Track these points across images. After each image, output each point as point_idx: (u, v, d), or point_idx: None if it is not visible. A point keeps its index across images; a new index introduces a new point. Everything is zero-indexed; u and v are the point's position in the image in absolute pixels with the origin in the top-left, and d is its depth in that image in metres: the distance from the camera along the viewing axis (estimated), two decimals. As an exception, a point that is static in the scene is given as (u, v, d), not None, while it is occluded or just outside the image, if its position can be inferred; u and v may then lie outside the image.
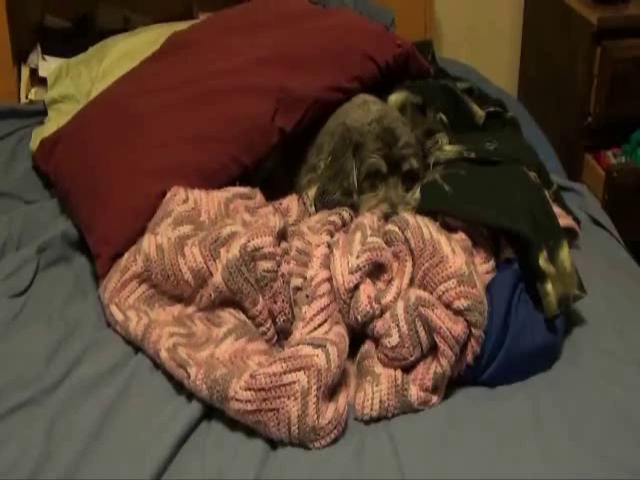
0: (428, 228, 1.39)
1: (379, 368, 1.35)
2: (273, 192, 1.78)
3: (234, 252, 1.45)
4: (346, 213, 1.54)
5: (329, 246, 1.44)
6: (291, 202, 1.70)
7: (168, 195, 1.62)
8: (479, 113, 1.78)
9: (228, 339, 1.42)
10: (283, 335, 1.48)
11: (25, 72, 2.56)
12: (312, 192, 1.64)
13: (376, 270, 1.40)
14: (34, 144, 2.14)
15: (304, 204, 1.67)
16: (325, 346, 1.30)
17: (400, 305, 1.34)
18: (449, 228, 1.45)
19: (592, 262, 1.63)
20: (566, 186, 1.90)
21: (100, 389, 1.42)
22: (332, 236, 1.47)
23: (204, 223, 1.59)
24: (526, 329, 1.36)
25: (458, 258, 1.34)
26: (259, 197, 1.68)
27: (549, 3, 2.77)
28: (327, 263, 1.42)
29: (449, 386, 1.38)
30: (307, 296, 1.39)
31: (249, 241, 1.46)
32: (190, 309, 1.54)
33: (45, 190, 2.04)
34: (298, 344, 1.31)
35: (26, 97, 2.53)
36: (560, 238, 1.43)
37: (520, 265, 1.40)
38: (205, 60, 1.85)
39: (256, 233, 1.47)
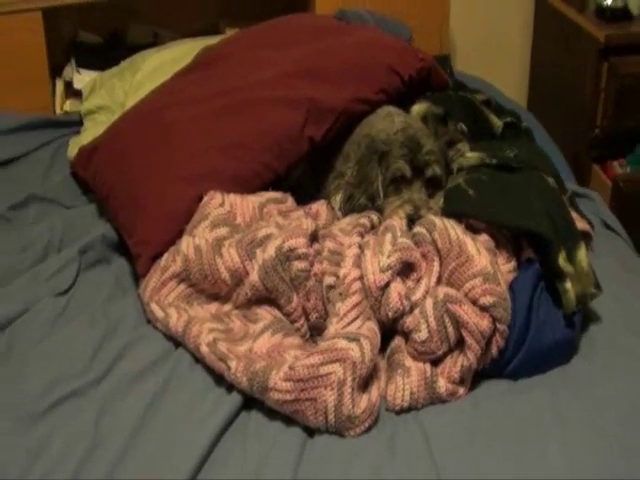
0: (454, 230, 1.43)
1: (409, 362, 1.39)
2: (300, 198, 1.82)
3: (270, 252, 1.49)
4: (375, 216, 1.58)
5: (360, 247, 1.48)
6: (320, 207, 1.74)
7: (205, 199, 1.66)
8: (497, 123, 1.83)
9: (265, 334, 1.45)
10: (316, 332, 1.52)
11: (60, 85, 2.61)
12: (339, 197, 1.68)
13: (405, 269, 1.45)
14: (72, 152, 2.18)
15: (332, 208, 1.71)
16: (359, 340, 1.34)
17: (429, 302, 1.38)
18: (473, 230, 1.49)
19: (605, 264, 1.66)
20: (579, 192, 1.94)
21: (143, 382, 1.45)
22: (362, 237, 1.51)
23: (239, 226, 1.63)
24: (546, 325, 1.40)
25: (483, 258, 1.38)
26: (290, 201, 1.73)
27: (557, 21, 2.81)
28: (358, 263, 1.46)
29: (474, 378, 1.42)
30: (340, 294, 1.43)
31: (284, 242, 1.50)
32: (227, 307, 1.58)
33: (83, 196, 2.08)
34: (333, 338, 1.35)
35: (61, 109, 2.57)
36: (577, 240, 1.47)
37: (540, 265, 1.44)
38: (235, 73, 1.90)
39: (291, 235, 1.51)
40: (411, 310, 1.41)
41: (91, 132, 2.21)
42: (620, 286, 1.64)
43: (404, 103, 1.87)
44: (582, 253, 1.45)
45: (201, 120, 1.82)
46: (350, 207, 1.65)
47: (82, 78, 2.53)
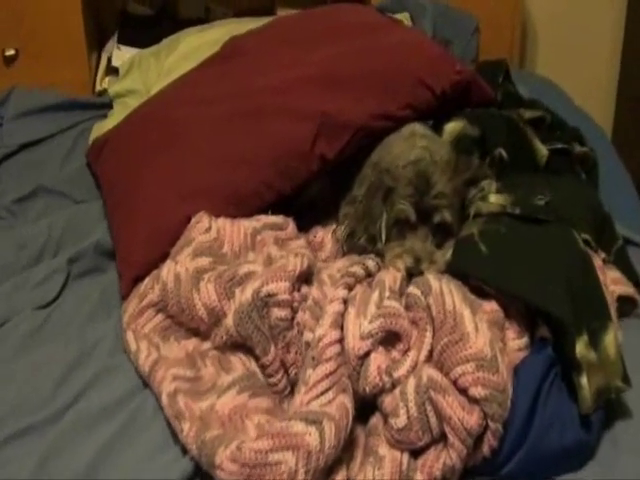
0: (452, 297, 1.17)
1: (384, 449, 1.15)
2: (318, 216, 1.60)
3: (247, 296, 1.29)
4: (372, 262, 1.33)
5: (345, 302, 1.24)
6: (326, 235, 1.51)
7: (192, 221, 1.47)
8: (542, 152, 1.53)
9: (231, 391, 1.25)
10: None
11: (103, 60, 2.45)
12: (343, 230, 1.44)
13: (392, 337, 1.20)
14: (93, 138, 2.02)
15: (337, 240, 1.48)
16: (321, 423, 1.11)
17: (411, 383, 1.14)
18: (482, 293, 1.23)
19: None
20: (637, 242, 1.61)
21: (101, 425, 1.28)
22: (351, 289, 1.27)
23: (226, 255, 1.43)
24: (554, 424, 1.12)
25: (480, 338, 1.12)
26: (291, 228, 1.50)
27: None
28: (339, 322, 1.22)
29: (464, 475, 1.16)
30: (313, 358, 1.20)
31: (263, 286, 1.29)
32: (206, 345, 1.39)
33: (97, 189, 1.91)
34: (290, 419, 1.12)
35: (100, 85, 2.41)
36: (606, 320, 1.18)
37: (556, 346, 1.17)
38: (252, 73, 1.67)
39: (271, 277, 1.30)
40: (393, 387, 1.17)
41: (117, 117, 2.04)
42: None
43: (441, 116, 1.60)
44: (610, 337, 1.17)
45: (206, 125, 1.62)
46: (351, 245, 1.41)
47: (121, 55, 2.38)
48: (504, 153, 1.52)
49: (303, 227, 1.57)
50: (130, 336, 1.42)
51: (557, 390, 1.15)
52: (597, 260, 1.31)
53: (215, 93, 1.66)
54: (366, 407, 1.23)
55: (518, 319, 1.21)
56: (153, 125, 1.70)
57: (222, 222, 1.45)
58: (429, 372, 1.13)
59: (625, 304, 1.37)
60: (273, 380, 1.30)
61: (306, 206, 1.63)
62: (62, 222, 1.76)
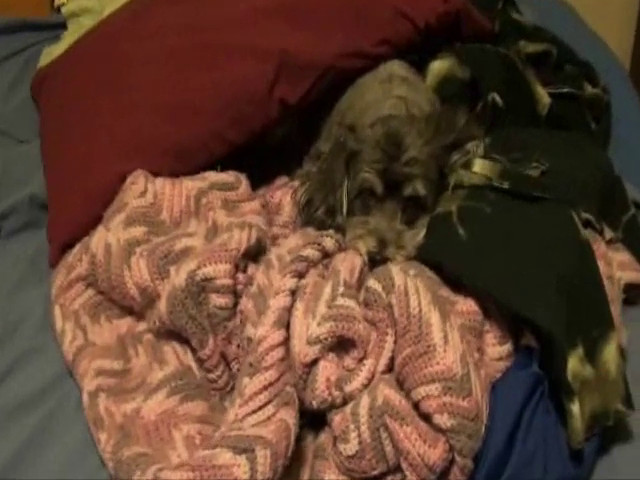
0: (418, 297, 0.94)
1: (331, 476, 0.95)
2: (286, 160, 1.40)
3: (180, 279, 1.08)
4: (330, 241, 1.08)
5: (293, 293, 1.02)
6: (285, 197, 1.28)
7: (127, 182, 1.25)
8: (543, 100, 1.28)
9: (160, 392, 1.07)
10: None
11: (63, -28, 2.15)
12: (302, 194, 1.21)
13: (346, 341, 0.98)
14: (43, 64, 1.77)
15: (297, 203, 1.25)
16: (253, 451, 0.91)
17: (365, 403, 0.93)
18: (457, 285, 1.00)
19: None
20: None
21: (21, 418, 1.11)
22: (302, 277, 1.04)
23: (164, 223, 1.21)
24: (537, 457, 0.91)
25: (450, 352, 0.90)
26: (243, 187, 1.27)
27: None
28: (284, 319, 1.00)
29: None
30: (251, 364, 0.98)
31: (199, 268, 1.08)
32: (141, 326, 1.20)
33: (43, 126, 1.67)
34: (216, 446, 0.92)
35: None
36: (607, 328, 0.96)
37: (544, 356, 0.95)
38: (204, 3, 1.40)
39: (210, 258, 1.09)
40: (344, 402, 0.96)
41: (70, 40, 1.79)
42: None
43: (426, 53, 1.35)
44: (611, 350, 0.95)
45: (154, 63, 1.39)
46: (308, 217, 1.18)
47: (79, -34, 2.06)
48: (498, 98, 1.26)
49: (266, 177, 1.37)
50: (57, 312, 1.24)
51: (542, 413, 0.93)
52: (601, 245, 1.07)
53: (168, 25, 1.41)
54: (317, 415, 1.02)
55: (500, 321, 0.98)
56: (96, 58, 1.46)
57: (161, 184, 1.23)
58: (386, 392, 0.92)
59: (633, 289, 1.14)
60: (212, 376, 1.11)
61: (270, 153, 1.40)
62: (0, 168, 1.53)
